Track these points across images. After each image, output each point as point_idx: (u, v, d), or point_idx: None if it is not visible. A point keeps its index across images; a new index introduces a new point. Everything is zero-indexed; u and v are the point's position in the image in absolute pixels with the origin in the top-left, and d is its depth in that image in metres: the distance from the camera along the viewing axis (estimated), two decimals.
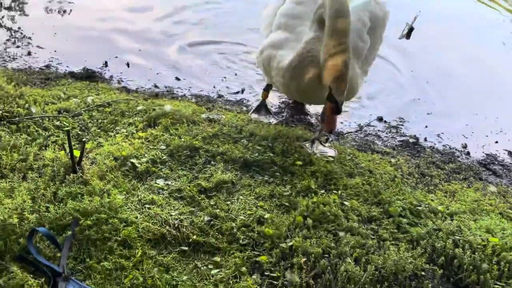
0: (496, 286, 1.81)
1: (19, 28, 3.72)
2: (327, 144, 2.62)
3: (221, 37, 3.84)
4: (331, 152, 2.53)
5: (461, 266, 1.86)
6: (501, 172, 2.83)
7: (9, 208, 1.75)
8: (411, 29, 4.28)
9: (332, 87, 2.04)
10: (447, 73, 3.78)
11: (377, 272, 1.76)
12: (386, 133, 3.05)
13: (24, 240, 1.66)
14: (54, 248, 1.67)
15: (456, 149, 3.00)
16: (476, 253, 1.91)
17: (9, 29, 3.73)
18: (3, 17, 3.91)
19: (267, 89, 2.92)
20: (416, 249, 1.91)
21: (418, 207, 2.16)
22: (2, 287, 1.48)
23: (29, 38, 3.58)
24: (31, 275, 1.56)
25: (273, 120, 2.84)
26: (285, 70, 2.28)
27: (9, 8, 4.12)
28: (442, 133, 3.14)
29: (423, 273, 1.82)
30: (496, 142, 3.13)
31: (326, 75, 2.06)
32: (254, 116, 2.83)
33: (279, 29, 2.43)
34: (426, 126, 3.17)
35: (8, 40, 3.55)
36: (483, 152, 3.02)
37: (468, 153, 2.97)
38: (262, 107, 2.91)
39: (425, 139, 3.04)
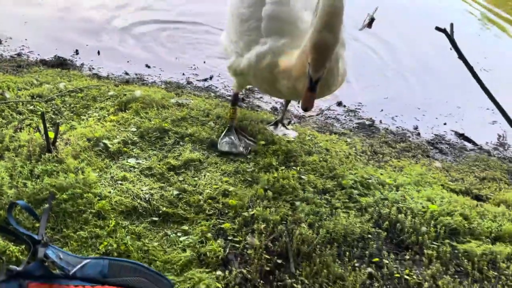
0: (433, 245, 2.05)
1: None
2: (289, 127, 2.83)
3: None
4: (292, 134, 2.73)
5: (403, 229, 2.10)
6: (447, 150, 3.10)
7: None
8: (372, 20, 4.53)
9: (309, 61, 1.88)
10: (401, 61, 4.04)
11: (328, 235, 1.98)
12: (345, 116, 3.28)
13: (4, 212, 1.79)
14: (33, 219, 1.81)
15: (408, 130, 3.26)
16: (417, 218, 2.15)
17: None
18: None
19: (235, 102, 2.61)
20: (364, 216, 2.14)
21: (368, 180, 2.39)
22: None
23: None
24: (12, 243, 1.70)
25: (250, 147, 2.49)
26: (291, 70, 2.05)
27: None
28: (396, 116, 3.40)
29: (369, 235, 2.05)
30: (445, 123, 3.41)
31: (306, 49, 1.91)
32: (224, 148, 2.44)
33: (272, 34, 2.18)
34: (382, 110, 3.42)
35: None
36: (432, 133, 3.29)
37: (418, 134, 3.23)
38: (233, 132, 2.53)
39: (380, 122, 3.29)
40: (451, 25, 1.41)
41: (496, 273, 1.98)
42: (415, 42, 4.29)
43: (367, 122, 3.21)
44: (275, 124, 2.76)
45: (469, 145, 3.24)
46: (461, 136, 3.29)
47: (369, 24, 4.41)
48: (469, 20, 5.02)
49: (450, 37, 1.43)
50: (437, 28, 1.47)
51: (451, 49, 1.49)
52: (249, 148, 2.49)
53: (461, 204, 2.32)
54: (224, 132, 2.54)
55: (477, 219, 2.24)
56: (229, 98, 3.28)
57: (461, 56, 1.45)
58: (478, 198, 2.51)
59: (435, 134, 3.28)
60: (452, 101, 3.65)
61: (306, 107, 1.94)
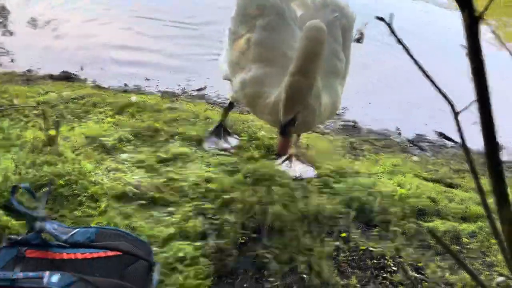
0: (400, 223, 2.21)
1: (2, 41, 4.12)
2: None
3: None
4: (311, 172, 2.50)
5: (372, 210, 2.26)
6: (426, 147, 3.27)
7: None
8: (361, 35, 4.81)
9: (280, 104, 1.86)
10: (387, 67, 4.26)
11: (300, 213, 2.16)
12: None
13: (8, 194, 2.02)
14: (33, 201, 2.03)
15: (389, 131, 3.44)
16: (385, 200, 2.32)
17: None
18: None
19: (229, 109, 2.68)
20: (336, 199, 2.32)
21: (344, 170, 2.57)
22: None
23: (12, 47, 3.98)
24: (14, 219, 1.93)
25: (234, 143, 2.61)
26: (272, 106, 2.00)
27: None
28: (379, 118, 3.59)
29: (340, 215, 2.22)
30: (426, 124, 3.59)
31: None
32: (209, 145, 2.56)
33: (259, 62, 2.13)
34: (366, 114, 3.62)
35: None
36: (414, 133, 3.47)
37: (399, 133, 3.41)
38: (220, 130, 2.63)
39: (363, 124, 3.48)
40: (391, 14, 1.64)
41: (458, 247, 2.13)
42: (399, 47, 4.51)
43: (350, 124, 3.41)
44: (288, 159, 2.55)
45: (449, 143, 3.40)
46: (441, 135, 3.46)
47: (358, 40, 4.68)
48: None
49: (389, 25, 1.62)
50: (377, 17, 1.67)
51: (390, 35, 1.68)
52: (232, 144, 2.66)
53: (430, 189, 2.48)
54: (211, 129, 2.67)
55: (445, 202, 2.40)
56: (221, 105, 3.53)
57: (399, 41, 1.64)
58: (449, 185, 2.67)
59: (416, 134, 3.46)
60: (434, 103, 3.82)
61: (279, 153, 1.92)
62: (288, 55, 2.05)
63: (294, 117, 1.82)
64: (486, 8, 1.01)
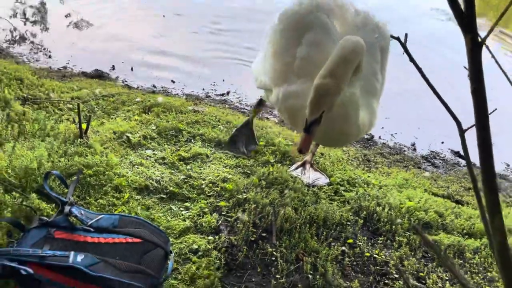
0: (406, 234, 2.30)
1: (41, 38, 4.38)
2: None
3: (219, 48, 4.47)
4: (323, 179, 2.60)
5: (380, 220, 2.35)
6: (439, 164, 3.33)
7: (31, 158, 2.29)
8: None
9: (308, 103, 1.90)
10: (404, 84, 4.33)
11: (309, 217, 2.26)
12: None
13: (41, 179, 2.19)
14: (63, 187, 2.21)
15: (404, 146, 3.52)
16: (393, 211, 2.40)
17: (34, 37, 4.38)
18: (27, 30, 4.58)
19: (259, 106, 2.76)
20: (345, 206, 2.42)
21: (355, 180, 2.67)
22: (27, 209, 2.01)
23: (50, 45, 4.22)
24: (45, 203, 2.10)
25: (252, 147, 2.71)
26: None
27: (33, 22, 4.80)
28: (396, 133, 3.67)
29: (348, 222, 2.32)
30: (442, 142, 3.64)
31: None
32: (230, 148, 2.68)
33: (303, 76, 2.17)
34: (382, 127, 3.70)
35: (32, 47, 4.19)
36: (428, 149, 3.53)
37: (415, 149, 3.48)
38: (246, 128, 2.73)
39: (380, 137, 3.57)
40: (406, 34, 1.70)
41: (461, 261, 2.20)
42: (419, 62, 4.57)
43: (366, 136, 3.50)
44: (302, 165, 2.65)
45: (463, 162, 3.45)
46: (456, 153, 3.52)
47: None
48: None
49: (403, 44, 1.70)
50: (392, 36, 1.76)
51: (403, 53, 1.77)
52: (250, 149, 2.76)
53: (438, 204, 2.55)
54: (239, 126, 2.80)
55: (451, 217, 2.47)
56: (242, 110, 3.68)
57: (411, 59, 1.70)
58: (458, 202, 2.73)
59: (431, 151, 3.52)
60: (451, 122, 3.88)
61: (301, 149, 1.89)
62: None
63: (320, 116, 1.87)
64: (488, 34, 1.12)
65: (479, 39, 0.99)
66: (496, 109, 1.22)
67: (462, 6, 0.97)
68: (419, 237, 1.80)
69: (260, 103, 2.81)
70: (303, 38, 2.19)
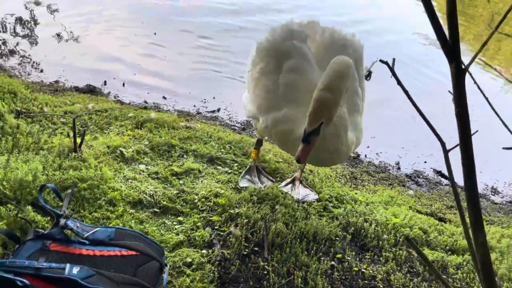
0: (391, 249, 2.38)
1: (32, 52, 4.41)
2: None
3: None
4: (312, 196, 2.67)
5: (367, 235, 2.43)
6: (423, 183, 3.45)
7: (26, 171, 2.31)
8: (369, 72, 5.08)
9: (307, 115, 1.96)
10: (392, 104, 4.48)
11: (300, 232, 2.33)
12: None
13: (36, 192, 2.21)
14: (58, 201, 2.23)
15: (389, 165, 3.63)
16: (379, 227, 2.49)
17: (25, 52, 4.41)
18: (18, 44, 4.60)
19: (259, 146, 2.75)
20: (334, 222, 2.49)
21: (343, 196, 2.75)
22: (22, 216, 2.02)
23: (42, 59, 4.26)
24: (40, 215, 2.12)
25: (267, 184, 2.69)
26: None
27: (24, 36, 4.83)
28: (381, 152, 3.79)
29: (336, 238, 2.39)
30: (425, 162, 3.78)
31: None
32: (243, 183, 2.65)
33: (288, 102, 2.26)
34: (368, 146, 3.82)
35: (23, 61, 4.22)
36: (412, 169, 3.66)
37: (399, 168, 3.60)
38: (253, 171, 2.74)
39: (365, 156, 3.68)
40: (393, 59, 1.80)
41: (445, 276, 2.28)
42: (405, 84, 4.74)
43: (352, 155, 3.60)
44: (292, 182, 2.72)
45: (445, 181, 3.58)
46: (438, 173, 3.65)
47: (366, 77, 4.94)
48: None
49: (391, 68, 1.80)
50: (381, 61, 1.88)
51: (391, 77, 1.87)
52: (266, 184, 2.70)
53: (422, 221, 2.65)
54: (245, 170, 2.76)
55: (435, 233, 2.57)
56: (233, 127, 3.75)
57: (399, 82, 1.80)
58: (441, 219, 2.83)
59: (415, 170, 3.65)
60: (434, 142, 4.02)
61: (299, 159, 1.94)
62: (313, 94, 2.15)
63: (318, 127, 1.94)
64: (471, 62, 1.22)
65: (463, 66, 1.10)
66: (477, 130, 1.32)
67: (447, 34, 1.07)
68: (412, 248, 1.87)
69: (259, 141, 2.77)
70: (283, 65, 2.28)
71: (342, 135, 2.10)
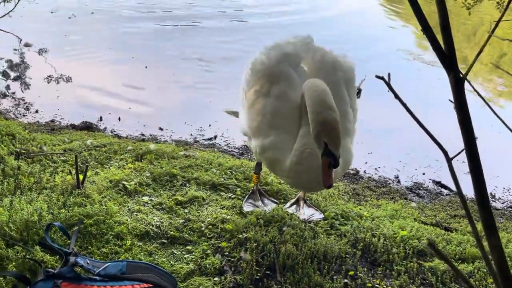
0: (402, 263, 2.38)
1: (26, 93, 4.43)
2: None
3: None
4: (318, 215, 2.66)
5: (376, 250, 2.44)
6: (424, 194, 3.48)
7: (31, 211, 2.30)
8: (359, 90, 5.17)
9: (327, 141, 1.95)
10: (386, 119, 4.55)
11: (310, 252, 2.33)
12: None
13: (42, 232, 2.19)
14: (65, 239, 2.21)
15: (389, 179, 3.66)
16: (388, 241, 2.50)
17: (18, 93, 4.43)
18: (10, 86, 4.63)
19: (258, 170, 2.73)
20: (342, 239, 2.49)
21: (348, 213, 2.77)
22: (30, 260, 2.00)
23: (36, 100, 4.28)
24: (48, 255, 2.09)
25: (271, 206, 2.68)
26: (288, 170, 2.19)
27: (16, 78, 4.86)
28: (379, 167, 3.82)
29: (346, 255, 2.39)
30: (423, 173, 3.81)
31: (318, 131, 1.97)
32: (247, 208, 2.64)
33: (275, 129, 2.27)
34: (366, 162, 3.86)
35: (17, 102, 4.23)
36: (411, 181, 3.69)
37: (399, 181, 3.63)
38: (256, 195, 2.73)
39: (364, 172, 3.71)
40: (389, 74, 1.84)
41: (458, 286, 2.28)
42: (397, 101, 4.83)
43: (351, 172, 3.63)
44: (296, 202, 2.72)
45: (445, 191, 3.61)
46: (438, 183, 3.68)
47: (356, 94, 5.01)
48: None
49: (387, 83, 1.85)
50: (377, 76, 1.92)
51: (388, 91, 1.91)
52: (270, 206, 2.69)
53: (429, 232, 2.66)
54: (248, 195, 2.75)
55: (443, 243, 2.58)
56: (231, 153, 3.78)
57: (396, 96, 1.84)
58: (446, 229, 2.85)
59: (414, 182, 3.68)
60: (430, 154, 4.08)
61: (330, 184, 1.98)
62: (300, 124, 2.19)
63: (326, 148, 1.95)
64: (469, 70, 1.27)
65: (461, 75, 1.14)
66: (477, 137, 1.36)
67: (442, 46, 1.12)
68: (436, 253, 1.86)
69: (258, 165, 2.73)
70: (271, 90, 2.29)
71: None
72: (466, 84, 1.04)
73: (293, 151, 2.14)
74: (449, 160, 1.42)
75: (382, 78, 1.96)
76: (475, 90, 1.43)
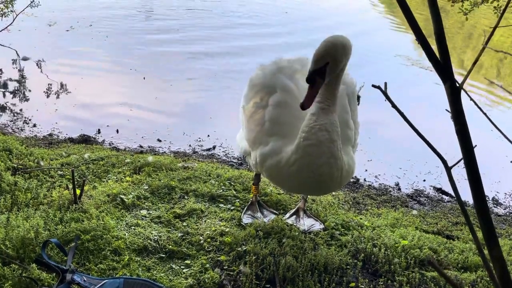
0: (404, 273, 2.35)
1: (24, 108, 4.43)
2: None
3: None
4: (318, 225, 2.65)
5: (378, 261, 2.40)
6: (425, 201, 3.45)
7: (27, 228, 2.27)
8: (358, 97, 5.17)
9: (331, 60, 2.02)
10: (386, 126, 4.53)
11: (310, 264, 2.30)
12: None
13: (39, 249, 2.17)
14: (62, 255, 2.18)
15: (389, 186, 3.64)
16: (389, 251, 2.46)
17: (16, 108, 4.43)
18: (7, 101, 4.62)
19: (257, 181, 2.75)
20: (343, 250, 2.46)
21: (349, 223, 2.74)
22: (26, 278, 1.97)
23: (33, 114, 4.27)
24: (45, 272, 2.06)
25: (270, 217, 2.68)
26: (289, 167, 2.17)
27: (13, 93, 4.86)
28: (379, 174, 3.80)
29: (347, 266, 2.36)
30: (424, 180, 3.79)
31: (326, 50, 2.03)
32: (246, 220, 2.65)
33: (275, 136, 2.30)
34: (366, 170, 3.83)
35: (15, 117, 4.23)
36: (412, 188, 3.66)
37: (399, 189, 3.60)
38: (255, 206, 2.75)
39: (364, 180, 3.68)
40: (385, 83, 1.83)
41: None
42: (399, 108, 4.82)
43: (352, 180, 3.61)
44: (296, 213, 2.72)
45: (446, 198, 3.58)
46: (439, 190, 3.65)
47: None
48: None
49: (384, 92, 1.84)
50: (374, 86, 1.91)
51: (385, 100, 1.90)
52: (269, 217, 2.68)
53: (431, 240, 2.63)
54: (247, 206, 2.74)
55: (445, 252, 2.54)
56: (230, 163, 3.75)
57: (394, 105, 1.83)
58: (448, 237, 2.82)
59: (415, 189, 3.65)
60: (430, 161, 4.06)
61: (303, 104, 2.00)
62: (299, 126, 2.20)
63: (324, 70, 2.00)
64: (464, 80, 1.25)
65: (457, 84, 1.12)
66: (476, 145, 1.34)
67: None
68: (436, 271, 1.84)
69: (256, 176, 2.74)
70: (269, 100, 2.34)
71: (335, 139, 2.12)
72: (465, 84, 1.02)
73: (301, 129, 2.14)
74: (448, 168, 1.39)
75: (378, 87, 1.94)
76: (471, 99, 1.41)
